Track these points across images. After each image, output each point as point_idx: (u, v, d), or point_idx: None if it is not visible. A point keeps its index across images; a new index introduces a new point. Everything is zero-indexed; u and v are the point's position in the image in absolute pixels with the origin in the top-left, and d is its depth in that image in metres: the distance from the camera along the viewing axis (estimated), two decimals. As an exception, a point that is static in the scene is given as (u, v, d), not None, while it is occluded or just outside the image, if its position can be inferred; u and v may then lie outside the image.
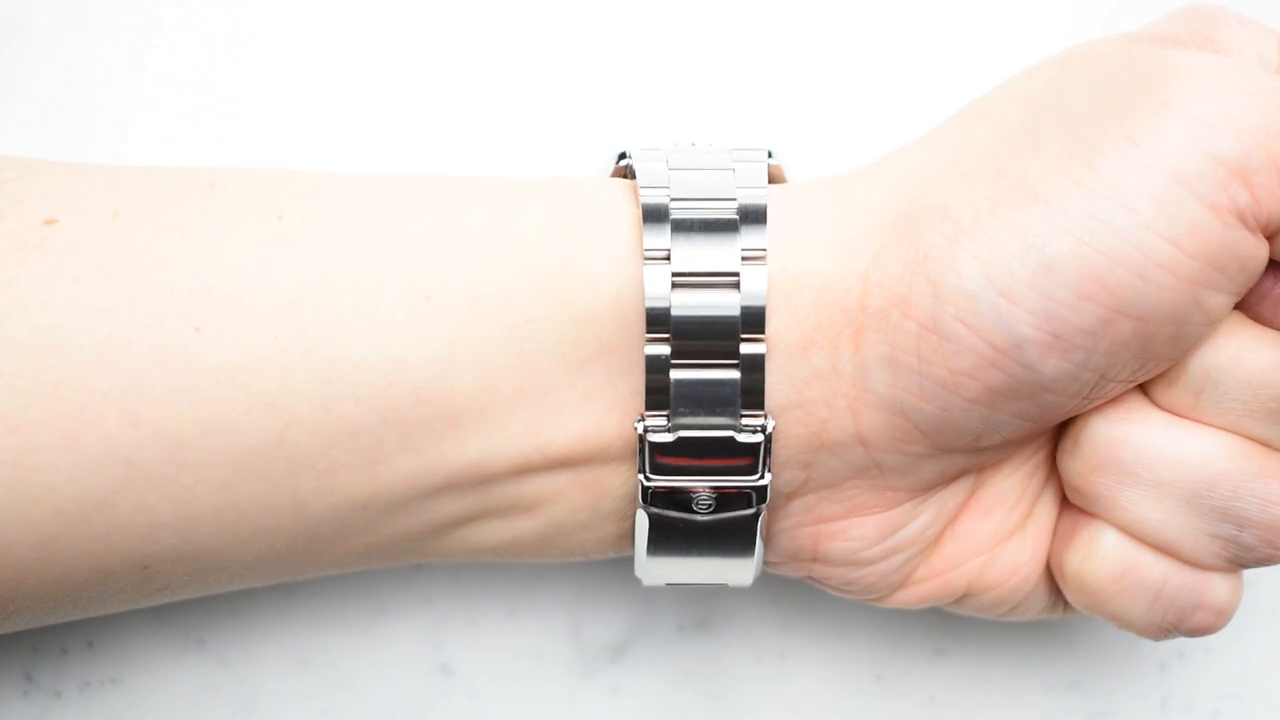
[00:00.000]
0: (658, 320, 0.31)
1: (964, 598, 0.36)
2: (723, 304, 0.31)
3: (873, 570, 0.35)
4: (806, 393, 0.32)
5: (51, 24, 0.40)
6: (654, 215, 0.32)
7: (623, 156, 0.34)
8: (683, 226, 0.31)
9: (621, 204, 0.33)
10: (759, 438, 0.32)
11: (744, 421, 0.32)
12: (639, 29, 0.42)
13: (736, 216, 0.32)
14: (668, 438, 0.32)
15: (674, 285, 0.31)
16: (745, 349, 0.31)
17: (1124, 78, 0.31)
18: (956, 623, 0.41)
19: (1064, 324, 0.30)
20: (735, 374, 0.32)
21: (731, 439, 0.32)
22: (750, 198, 0.32)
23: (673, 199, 0.32)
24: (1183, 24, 0.33)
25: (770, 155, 0.34)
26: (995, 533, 0.35)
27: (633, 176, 0.34)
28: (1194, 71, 0.31)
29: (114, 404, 0.30)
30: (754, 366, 0.32)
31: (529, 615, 0.41)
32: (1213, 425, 0.33)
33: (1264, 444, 0.33)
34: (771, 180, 0.34)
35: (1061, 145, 0.31)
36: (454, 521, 0.33)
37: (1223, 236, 0.30)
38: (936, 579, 0.35)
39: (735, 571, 0.35)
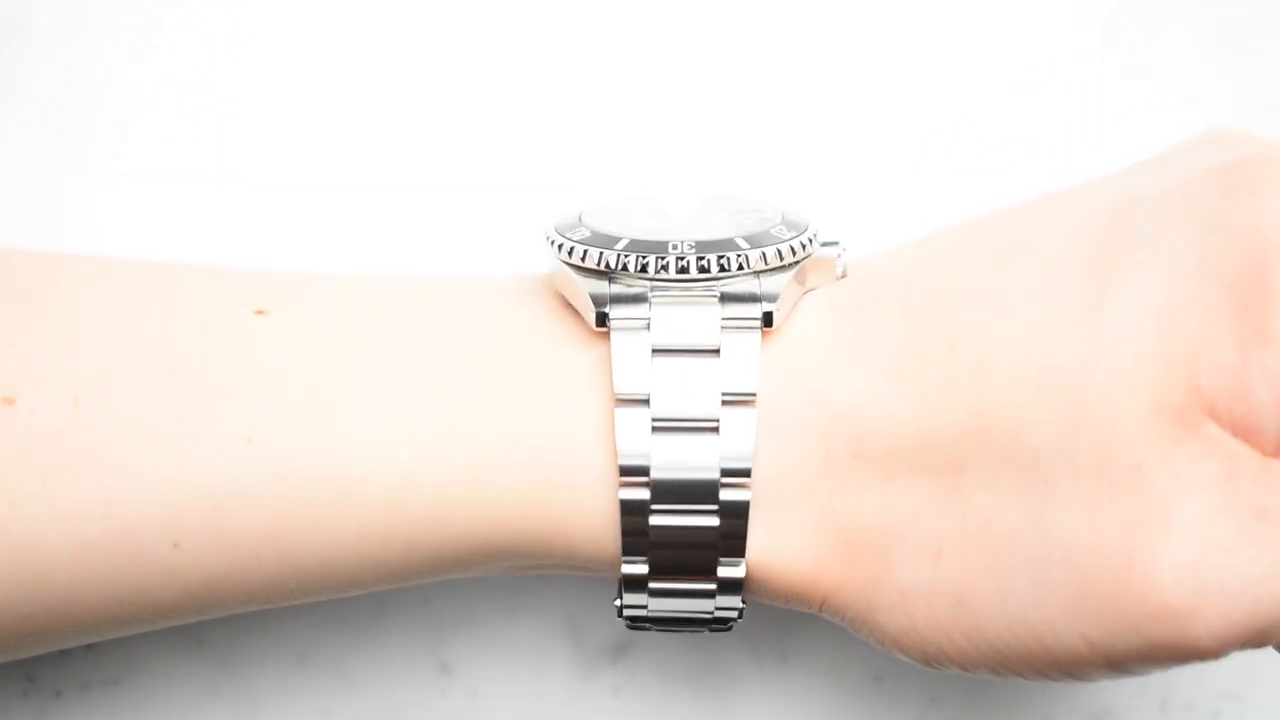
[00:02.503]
0: (634, 623, 0.33)
1: None
2: (698, 606, 0.33)
3: None
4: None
5: (51, 24, 0.40)
6: (632, 523, 0.32)
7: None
8: (662, 519, 0.32)
9: (600, 479, 0.32)
10: (734, 614, 0.33)
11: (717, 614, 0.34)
12: (647, 50, 0.42)
13: (717, 523, 0.31)
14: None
15: (651, 593, 0.32)
16: (721, 613, 0.33)
17: (1117, 510, 0.29)
18: (956, 623, 0.42)
19: (992, 668, 0.32)
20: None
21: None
22: (734, 459, 0.31)
23: (653, 495, 0.31)
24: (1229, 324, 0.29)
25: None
26: None
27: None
28: (1180, 568, 0.28)
29: (96, 595, 0.31)
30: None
31: (529, 615, 0.41)
32: None
33: None
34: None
35: (1027, 615, 0.30)
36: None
37: None
38: None
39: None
